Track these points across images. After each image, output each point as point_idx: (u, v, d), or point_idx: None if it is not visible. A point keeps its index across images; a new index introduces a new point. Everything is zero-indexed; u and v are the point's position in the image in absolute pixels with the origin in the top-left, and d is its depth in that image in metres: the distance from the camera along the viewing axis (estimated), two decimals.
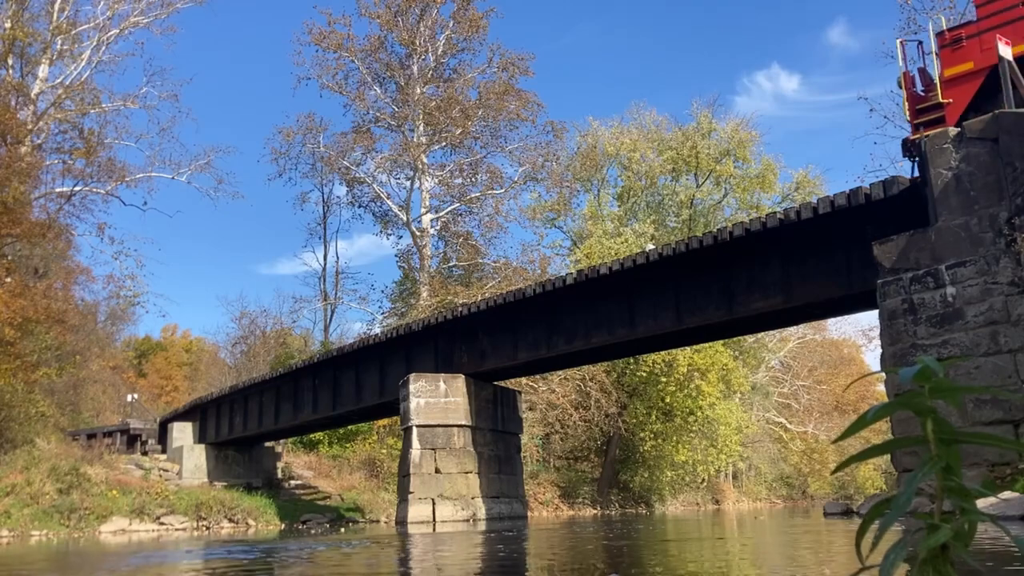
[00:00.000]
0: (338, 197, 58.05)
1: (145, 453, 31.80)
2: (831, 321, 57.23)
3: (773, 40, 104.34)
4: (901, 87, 15.56)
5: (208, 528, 24.11)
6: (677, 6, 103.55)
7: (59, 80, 32.35)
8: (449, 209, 42.30)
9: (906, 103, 15.39)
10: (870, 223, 14.12)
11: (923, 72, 15.23)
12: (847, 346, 62.66)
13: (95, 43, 33.19)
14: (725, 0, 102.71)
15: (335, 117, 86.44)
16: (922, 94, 14.95)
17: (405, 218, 41.92)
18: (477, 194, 42.05)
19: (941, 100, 14.40)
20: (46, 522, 21.17)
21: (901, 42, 15.86)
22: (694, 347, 32.76)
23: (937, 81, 14.49)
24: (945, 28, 14.94)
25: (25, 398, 24.87)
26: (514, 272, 38.45)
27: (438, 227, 42.42)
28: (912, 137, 14.93)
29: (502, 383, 24.31)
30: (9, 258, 25.61)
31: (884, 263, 12.95)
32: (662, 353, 32.49)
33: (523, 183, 42.73)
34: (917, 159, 14.89)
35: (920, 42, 15.89)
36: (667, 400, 36.17)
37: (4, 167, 23.62)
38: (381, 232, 44.98)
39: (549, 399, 34.90)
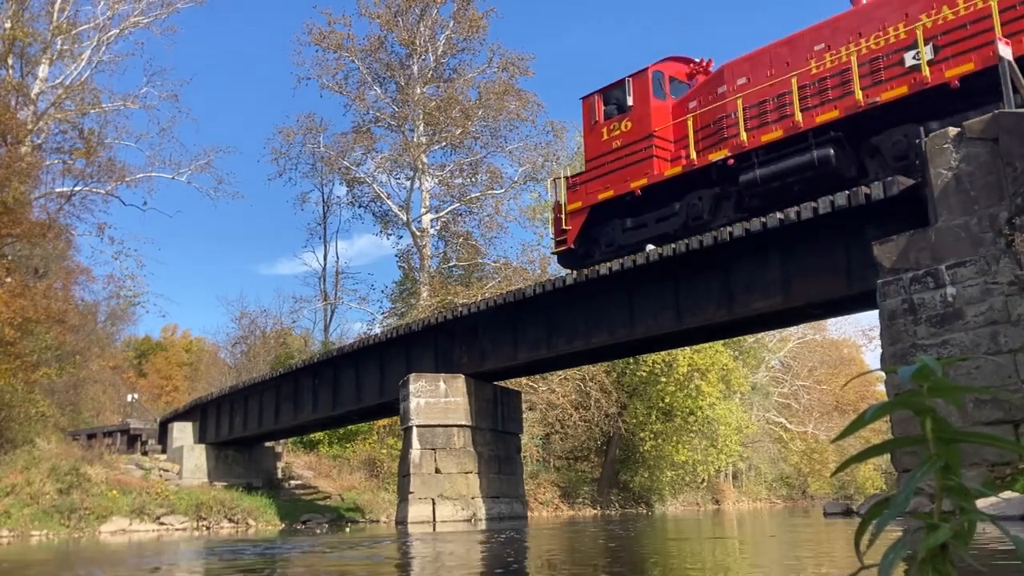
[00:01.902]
0: (338, 197, 58.07)
1: (145, 453, 31.77)
2: (831, 321, 57.24)
3: (772, 40, 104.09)
4: (552, 213, 20.55)
5: (208, 528, 24.10)
6: (677, 6, 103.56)
7: (59, 80, 32.32)
8: (449, 209, 42.29)
9: (552, 226, 20.47)
10: (870, 223, 14.10)
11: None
12: (847, 346, 62.62)
13: (95, 43, 33.16)
14: (724, 0, 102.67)
15: (335, 117, 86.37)
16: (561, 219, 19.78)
17: (405, 218, 41.91)
18: (477, 194, 42.04)
19: (565, 227, 19.42)
20: (46, 522, 21.14)
21: (553, 180, 20.87)
22: (694, 347, 32.74)
23: (564, 212, 19.44)
24: (570, 175, 20.37)
25: (25, 398, 24.82)
26: (514, 272, 38.42)
27: (438, 227, 42.42)
28: (554, 251, 20.43)
29: (502, 383, 24.29)
30: (9, 258, 25.58)
31: (884, 263, 12.94)
32: (662, 353, 32.47)
33: (523, 183, 42.73)
34: (562, 265, 20.65)
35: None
36: (667, 400, 36.16)
37: (4, 167, 23.60)
38: (381, 232, 45.01)
39: (549, 399, 34.88)
